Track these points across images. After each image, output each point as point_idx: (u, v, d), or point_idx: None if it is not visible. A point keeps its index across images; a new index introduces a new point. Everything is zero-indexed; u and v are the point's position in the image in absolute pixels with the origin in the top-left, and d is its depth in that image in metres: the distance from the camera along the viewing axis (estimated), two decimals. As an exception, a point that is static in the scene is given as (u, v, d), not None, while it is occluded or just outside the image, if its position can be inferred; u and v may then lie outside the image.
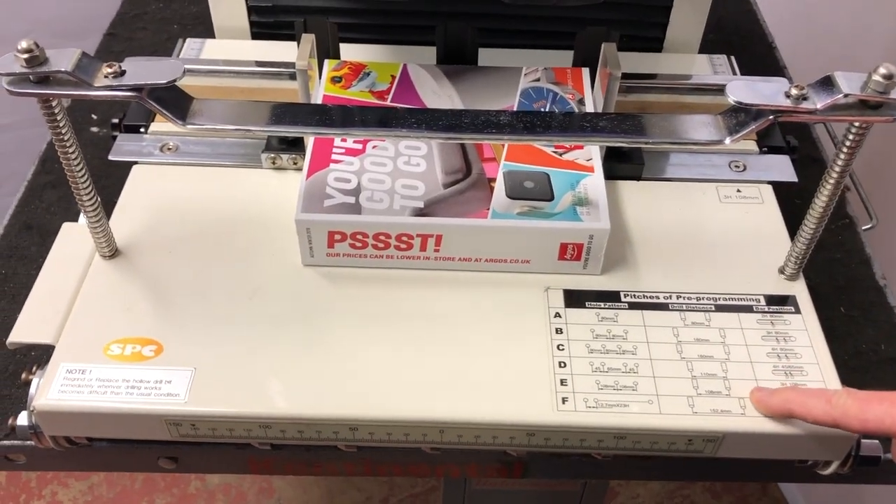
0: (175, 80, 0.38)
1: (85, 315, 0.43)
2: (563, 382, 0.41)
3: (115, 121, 0.56)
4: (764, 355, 0.43)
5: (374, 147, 0.48)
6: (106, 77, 0.38)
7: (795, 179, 0.53)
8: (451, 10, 0.55)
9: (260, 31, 0.61)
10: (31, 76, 0.37)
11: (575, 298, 0.45)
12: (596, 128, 0.39)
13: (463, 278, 0.46)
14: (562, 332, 0.43)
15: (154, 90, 0.38)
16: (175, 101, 0.39)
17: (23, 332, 0.43)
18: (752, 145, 0.55)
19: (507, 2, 0.48)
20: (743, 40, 0.76)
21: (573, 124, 0.39)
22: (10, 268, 0.55)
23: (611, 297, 0.45)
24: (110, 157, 0.54)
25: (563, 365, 0.42)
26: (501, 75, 0.53)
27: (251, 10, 0.60)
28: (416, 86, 0.52)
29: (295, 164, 0.52)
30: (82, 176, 0.42)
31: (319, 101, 0.50)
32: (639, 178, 0.52)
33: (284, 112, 0.40)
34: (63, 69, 0.37)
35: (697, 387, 0.41)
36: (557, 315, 0.44)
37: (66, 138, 0.40)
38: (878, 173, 0.84)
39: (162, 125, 0.55)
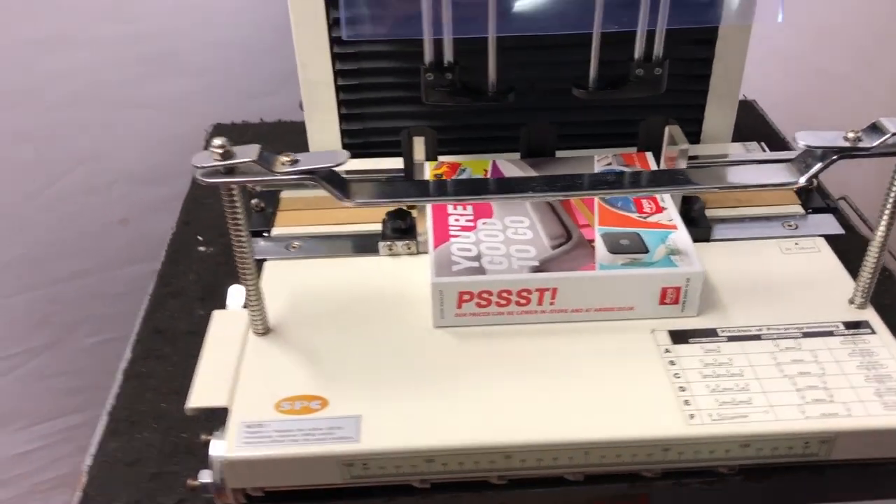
0: (341, 165, 0.45)
1: (252, 380, 0.49)
2: (686, 403, 0.46)
3: (238, 230, 0.64)
4: (854, 368, 0.48)
5: (483, 223, 0.55)
6: (283, 164, 0.45)
7: (843, 231, 0.61)
8: (534, 106, 0.64)
9: (354, 152, 0.70)
10: (221, 168, 0.45)
11: (679, 337, 0.51)
12: (689, 179, 0.47)
13: (576, 328, 0.52)
14: (675, 364, 0.49)
15: (326, 173, 0.45)
16: (339, 183, 0.46)
17: (198, 398, 0.48)
18: (798, 209, 0.63)
19: (580, 96, 0.57)
20: (762, 137, 0.86)
21: (672, 178, 0.47)
22: (149, 367, 0.61)
23: (710, 334, 0.51)
24: (245, 257, 0.60)
25: (683, 389, 0.47)
26: (578, 162, 0.61)
27: (344, 132, 0.69)
28: (506, 175, 0.60)
29: (409, 249, 0.59)
30: (248, 258, 0.49)
31: (427, 193, 0.58)
32: (707, 240, 0.60)
33: (427, 187, 0.47)
34: (251, 159, 0.45)
35: (804, 397, 0.47)
36: (667, 350, 0.50)
37: (240, 222, 0.47)
38: None
39: (284, 229, 0.62)
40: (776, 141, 0.85)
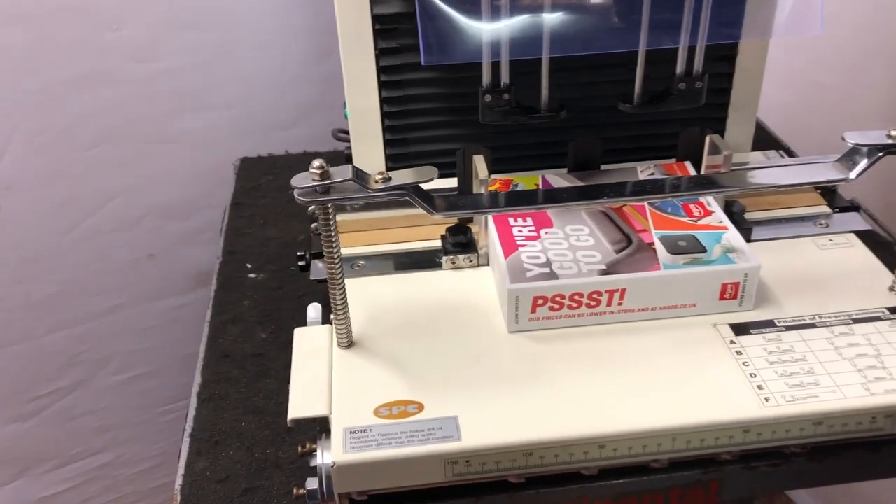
0: (432, 180, 0.48)
1: (346, 389, 0.51)
2: (759, 387, 0.50)
3: (301, 253, 0.66)
4: (906, 348, 0.52)
5: (545, 233, 0.58)
6: (377, 182, 0.48)
7: (870, 227, 0.65)
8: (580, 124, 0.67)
9: (395, 164, 0.73)
10: (318, 188, 0.48)
11: (741, 329, 0.54)
12: (744, 179, 0.51)
13: (643, 326, 0.55)
14: (742, 354, 0.52)
15: (414, 188, 0.48)
16: (426, 198, 0.49)
17: (298, 410, 0.50)
18: (826, 208, 0.67)
19: (626, 111, 0.61)
20: (767, 146, 0.91)
21: (737, 179, 0.51)
22: (221, 389, 0.63)
23: (768, 325, 0.55)
24: (312, 278, 0.63)
25: (753, 375, 0.51)
26: (622, 173, 0.65)
27: (388, 157, 0.72)
28: (556, 184, 0.63)
29: (470, 262, 0.62)
30: (339, 273, 0.51)
31: (486, 208, 0.61)
32: (748, 241, 0.63)
33: (505, 198, 0.51)
34: (349, 178, 0.47)
35: (866, 376, 0.50)
36: (732, 342, 0.53)
37: (334, 240, 0.50)
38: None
39: (346, 250, 0.65)
40: (781, 150, 0.90)
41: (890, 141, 0.50)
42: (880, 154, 0.50)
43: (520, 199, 0.50)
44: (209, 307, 0.72)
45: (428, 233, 0.65)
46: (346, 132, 0.88)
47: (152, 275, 1.03)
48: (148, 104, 0.93)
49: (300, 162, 0.95)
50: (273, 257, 0.78)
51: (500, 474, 0.49)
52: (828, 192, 0.69)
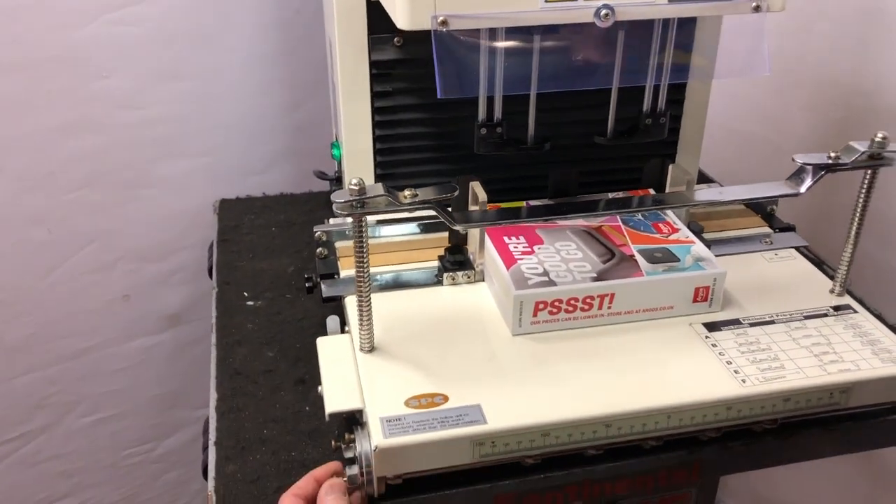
0: (454, 196, 0.55)
1: (375, 387, 0.56)
2: (735, 372, 0.58)
3: (307, 275, 0.71)
4: (850, 337, 0.62)
5: (538, 248, 0.66)
6: (406, 198, 0.55)
7: (807, 244, 0.75)
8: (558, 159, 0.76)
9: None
10: (354, 203, 0.54)
11: (713, 327, 0.63)
12: (714, 196, 0.60)
13: (629, 327, 0.63)
14: (716, 346, 0.61)
15: (439, 203, 0.55)
16: (448, 211, 0.56)
17: (334, 404, 0.55)
18: (768, 230, 0.78)
19: (601, 143, 0.70)
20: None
21: (706, 195, 0.60)
22: (239, 402, 0.67)
23: (735, 323, 0.63)
24: (324, 295, 0.68)
25: (729, 363, 0.59)
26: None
27: (380, 190, 0.79)
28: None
29: (468, 279, 0.68)
30: (367, 283, 0.57)
31: (481, 230, 0.69)
32: (707, 257, 0.72)
33: (514, 212, 0.58)
34: (382, 193, 0.54)
35: (822, 360, 0.59)
36: (707, 337, 0.62)
37: (364, 251, 0.56)
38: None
39: (350, 271, 0.70)
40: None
41: (830, 161, 0.60)
42: (822, 172, 0.60)
43: (528, 213, 0.58)
44: (212, 331, 0.76)
45: (422, 255, 0.72)
46: (325, 173, 0.95)
47: (125, 316, 1.05)
48: (131, 150, 0.97)
49: (278, 203, 1.01)
50: (268, 286, 0.82)
51: (521, 454, 0.55)
52: (767, 215, 0.80)
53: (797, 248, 0.75)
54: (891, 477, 0.98)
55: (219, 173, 1.03)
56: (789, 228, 0.78)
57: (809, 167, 0.60)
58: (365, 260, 0.56)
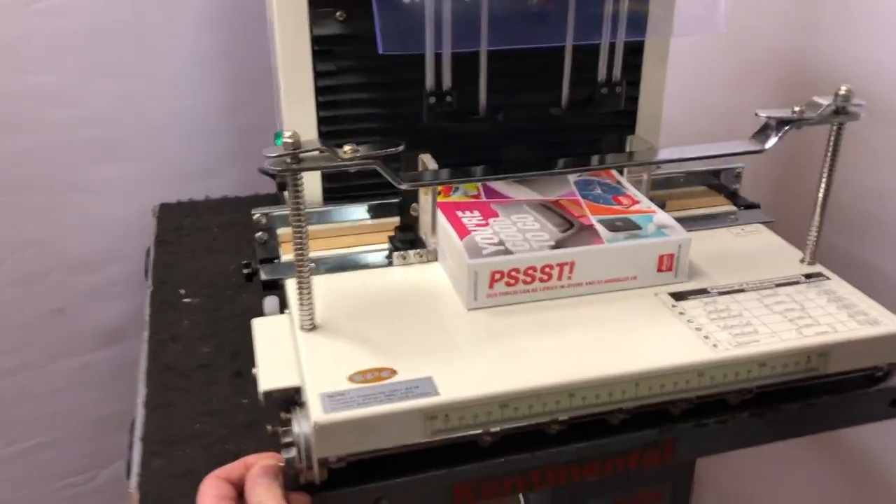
0: (399, 151, 0.51)
1: (316, 362, 0.51)
2: (706, 337, 0.54)
3: (245, 262, 0.66)
4: (825, 302, 0.58)
5: (493, 220, 0.62)
6: (346, 153, 0.50)
7: (773, 220, 0.72)
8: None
9: (332, 196, 0.75)
10: (288, 158, 0.49)
11: (679, 296, 0.59)
12: (677, 153, 0.57)
13: (592, 299, 0.59)
14: (684, 314, 0.57)
15: (382, 159, 0.51)
16: (392, 169, 0.52)
17: (269, 382, 0.50)
18: (732, 207, 0.74)
19: (556, 114, 0.67)
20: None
21: (669, 153, 0.57)
22: (170, 397, 0.61)
23: (703, 293, 0.59)
24: (263, 278, 0.63)
25: (699, 329, 0.55)
26: (556, 178, 0.69)
27: (325, 177, 0.74)
28: (496, 188, 0.67)
29: (421, 258, 0.64)
30: (305, 251, 0.52)
31: (433, 206, 0.64)
32: (671, 233, 0.69)
33: (465, 172, 0.54)
34: (318, 147, 0.49)
35: (797, 324, 0.55)
36: (674, 306, 0.58)
37: (301, 214, 0.51)
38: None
39: (292, 255, 0.65)
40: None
41: (795, 116, 0.57)
42: (787, 127, 0.57)
43: (481, 173, 0.54)
44: (145, 329, 0.70)
45: (371, 239, 0.67)
46: (269, 170, 0.90)
47: (58, 332, 0.98)
48: (65, 152, 0.92)
49: (221, 205, 0.95)
50: (206, 284, 0.77)
51: (478, 429, 0.50)
52: (731, 193, 0.77)
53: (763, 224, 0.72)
54: (870, 484, 0.95)
55: (158, 177, 0.98)
56: (754, 206, 0.75)
57: (773, 121, 0.57)
58: (303, 226, 0.52)
